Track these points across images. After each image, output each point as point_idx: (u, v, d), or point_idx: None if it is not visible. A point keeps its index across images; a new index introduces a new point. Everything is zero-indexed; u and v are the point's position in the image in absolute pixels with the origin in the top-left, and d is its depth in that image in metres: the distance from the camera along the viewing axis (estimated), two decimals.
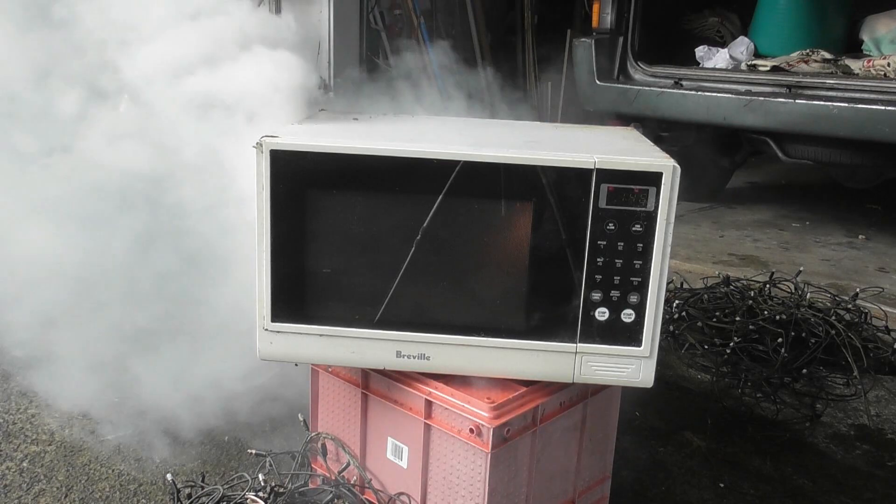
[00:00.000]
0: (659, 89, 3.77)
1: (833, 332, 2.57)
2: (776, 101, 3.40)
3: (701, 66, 4.09)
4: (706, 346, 2.62)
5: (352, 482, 1.64)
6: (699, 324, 2.72)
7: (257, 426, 2.07)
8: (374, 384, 1.57)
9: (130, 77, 1.88)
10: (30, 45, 2.09)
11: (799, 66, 3.75)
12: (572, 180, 1.31)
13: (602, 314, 1.36)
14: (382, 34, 5.26)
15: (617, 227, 1.32)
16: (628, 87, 3.87)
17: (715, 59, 4.10)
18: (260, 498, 1.60)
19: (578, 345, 1.38)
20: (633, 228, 1.32)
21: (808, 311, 2.71)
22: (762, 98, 3.44)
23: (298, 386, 1.99)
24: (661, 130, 4.05)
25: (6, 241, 2.12)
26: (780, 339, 2.49)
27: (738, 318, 2.65)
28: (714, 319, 2.71)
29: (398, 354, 1.41)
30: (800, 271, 3.07)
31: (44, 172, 2.13)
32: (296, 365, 1.55)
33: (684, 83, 3.72)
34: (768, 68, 3.81)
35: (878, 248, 4.01)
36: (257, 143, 1.32)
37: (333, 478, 1.66)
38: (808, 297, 2.88)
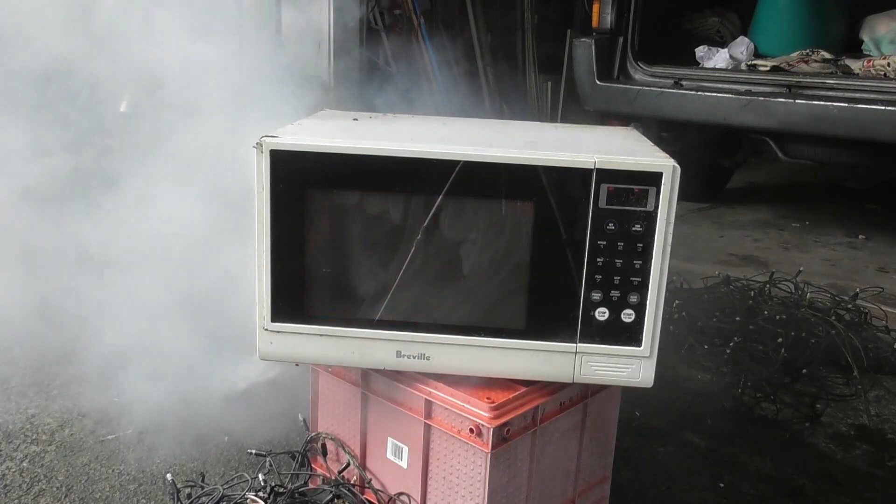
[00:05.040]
0: (659, 89, 3.76)
1: (833, 332, 2.57)
2: (776, 101, 3.40)
3: (701, 66, 4.08)
4: (706, 346, 2.62)
5: (352, 482, 1.64)
6: (699, 324, 2.72)
7: (257, 425, 2.07)
8: (374, 384, 1.57)
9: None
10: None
11: (799, 66, 3.75)
12: (572, 180, 1.31)
13: (602, 314, 1.36)
14: (382, 34, 5.26)
15: (617, 227, 1.32)
16: (628, 87, 3.87)
17: (715, 59, 4.09)
18: (260, 498, 1.60)
19: (578, 345, 1.38)
20: (633, 228, 1.32)
21: (808, 312, 2.71)
22: (762, 98, 3.43)
23: (298, 385, 1.99)
24: (661, 130, 4.05)
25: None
26: (780, 339, 2.49)
27: (738, 318, 2.65)
28: (714, 319, 2.71)
29: (398, 354, 1.41)
30: (800, 271, 3.07)
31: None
32: (296, 365, 1.55)
33: (684, 83, 3.72)
34: (768, 68, 3.81)
35: (878, 248, 4.01)
36: (257, 143, 1.32)
37: (333, 478, 1.66)
38: (808, 297, 2.88)
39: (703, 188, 4.70)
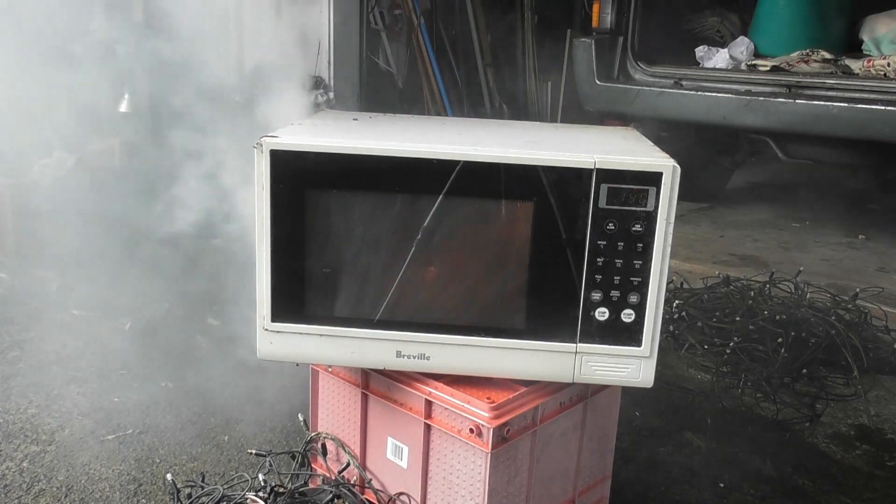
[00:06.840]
0: (659, 89, 3.77)
1: (833, 332, 2.57)
2: (776, 101, 3.40)
3: (701, 66, 4.08)
4: (706, 346, 2.62)
5: (352, 482, 1.64)
6: (699, 324, 2.72)
7: (257, 426, 2.07)
8: (374, 384, 1.56)
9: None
10: None
11: (799, 66, 3.75)
12: (572, 180, 1.31)
13: (602, 314, 1.36)
14: (382, 34, 5.26)
15: (617, 227, 1.32)
16: (628, 87, 3.87)
17: (715, 59, 4.10)
18: (260, 498, 1.59)
19: (578, 345, 1.38)
20: (633, 228, 1.32)
21: (808, 311, 2.71)
22: (762, 98, 3.44)
23: (298, 384, 1.99)
24: (661, 130, 4.05)
25: None
26: (780, 339, 2.49)
27: (738, 318, 2.66)
28: (714, 319, 2.71)
29: (398, 354, 1.41)
30: (800, 271, 3.07)
31: None
32: (296, 365, 1.55)
33: (684, 83, 3.72)
34: (768, 68, 3.81)
35: (878, 248, 4.01)
36: (257, 143, 1.32)
37: (333, 478, 1.66)
38: (808, 297, 2.88)
39: (703, 188, 4.71)
